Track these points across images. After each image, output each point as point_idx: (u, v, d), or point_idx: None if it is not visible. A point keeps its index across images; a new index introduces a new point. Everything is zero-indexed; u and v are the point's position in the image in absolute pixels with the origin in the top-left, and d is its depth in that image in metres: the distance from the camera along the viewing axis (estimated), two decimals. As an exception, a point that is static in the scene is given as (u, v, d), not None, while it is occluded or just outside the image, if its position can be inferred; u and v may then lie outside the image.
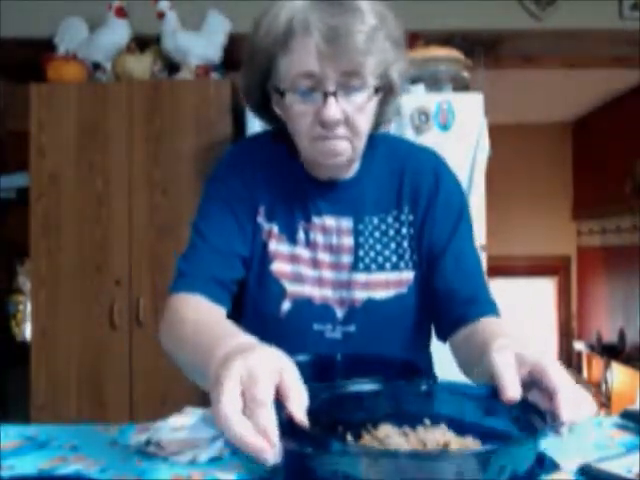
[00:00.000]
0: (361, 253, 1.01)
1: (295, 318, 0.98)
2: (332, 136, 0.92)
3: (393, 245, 1.02)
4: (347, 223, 1.01)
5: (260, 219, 1.02)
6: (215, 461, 0.82)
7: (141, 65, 2.58)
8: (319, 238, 1.01)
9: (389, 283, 1.00)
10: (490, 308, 0.98)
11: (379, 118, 1.01)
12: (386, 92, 0.97)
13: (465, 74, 2.49)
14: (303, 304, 0.99)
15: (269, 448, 0.52)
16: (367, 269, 1.00)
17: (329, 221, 1.01)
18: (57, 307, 2.47)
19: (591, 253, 5.25)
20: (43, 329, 2.47)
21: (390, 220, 1.03)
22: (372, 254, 1.01)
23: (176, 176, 2.45)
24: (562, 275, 5.59)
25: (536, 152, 5.43)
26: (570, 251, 5.54)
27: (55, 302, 2.48)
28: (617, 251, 4.74)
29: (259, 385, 0.55)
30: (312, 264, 1.01)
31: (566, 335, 5.54)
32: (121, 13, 2.63)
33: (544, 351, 0.70)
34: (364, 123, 0.93)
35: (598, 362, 4.87)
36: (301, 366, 0.60)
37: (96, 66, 2.62)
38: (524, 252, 5.34)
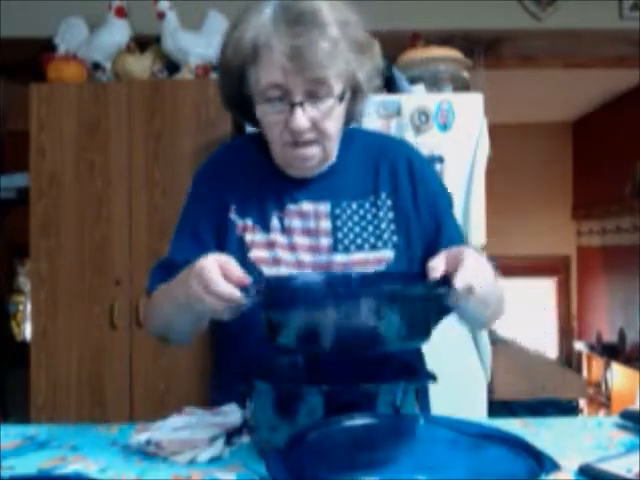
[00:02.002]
0: (340, 235, 1.04)
1: None
2: (302, 142, 0.99)
3: (371, 228, 1.06)
4: (324, 207, 1.06)
5: (232, 216, 1.07)
6: (215, 461, 0.82)
7: (141, 65, 2.58)
8: (295, 223, 1.05)
9: (368, 262, 1.03)
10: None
11: (350, 116, 1.06)
12: (354, 93, 1.02)
13: (465, 74, 2.49)
14: None
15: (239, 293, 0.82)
16: (346, 250, 1.04)
17: (307, 206, 1.06)
18: (57, 307, 2.47)
19: (591, 253, 5.25)
20: (43, 329, 2.47)
21: (367, 205, 1.07)
22: (351, 236, 1.05)
23: (176, 176, 2.45)
24: (562, 275, 5.59)
25: (536, 152, 5.43)
26: (570, 251, 5.54)
27: (55, 302, 2.47)
28: (617, 251, 4.75)
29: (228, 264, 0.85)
30: (289, 248, 1.04)
31: (566, 335, 5.54)
32: (121, 13, 2.63)
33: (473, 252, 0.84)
34: (333, 127, 0.99)
35: (598, 362, 4.88)
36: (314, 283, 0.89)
37: (96, 66, 2.62)
38: (524, 252, 5.34)
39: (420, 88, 2.39)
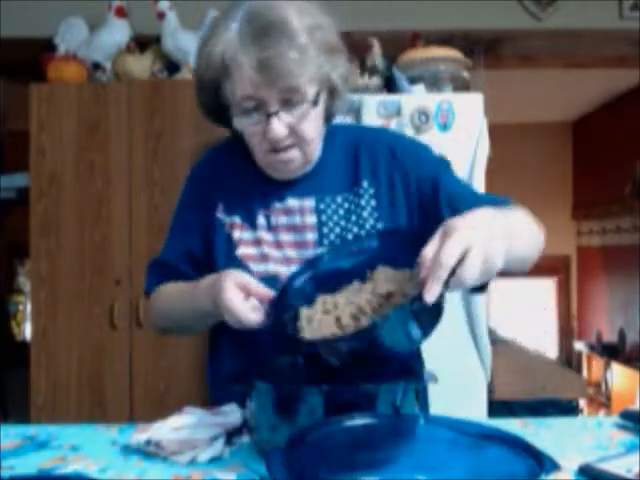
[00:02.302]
0: (325, 230, 1.05)
1: None
2: (281, 149, 1.00)
3: (354, 217, 1.06)
4: (309, 203, 1.07)
5: (220, 215, 1.09)
6: (215, 461, 0.82)
7: (141, 65, 2.58)
8: (281, 220, 1.07)
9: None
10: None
11: (329, 115, 1.07)
12: (331, 93, 1.03)
13: (465, 74, 2.49)
14: (269, 281, 1.02)
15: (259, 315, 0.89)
16: (332, 244, 1.04)
17: (292, 202, 1.07)
18: (57, 307, 2.47)
19: (591, 253, 5.25)
20: (43, 329, 2.47)
21: (351, 197, 1.07)
22: (337, 230, 1.05)
23: (176, 176, 2.44)
24: (562, 275, 5.59)
25: (536, 152, 5.43)
26: (570, 251, 5.54)
27: (55, 302, 2.47)
28: (617, 251, 4.75)
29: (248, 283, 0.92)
30: (276, 245, 1.06)
31: (566, 335, 5.54)
32: (121, 13, 2.63)
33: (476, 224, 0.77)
34: (310, 130, 1.00)
35: (598, 362, 4.88)
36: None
37: (96, 66, 2.62)
38: (524, 252, 5.32)
39: (420, 88, 2.39)
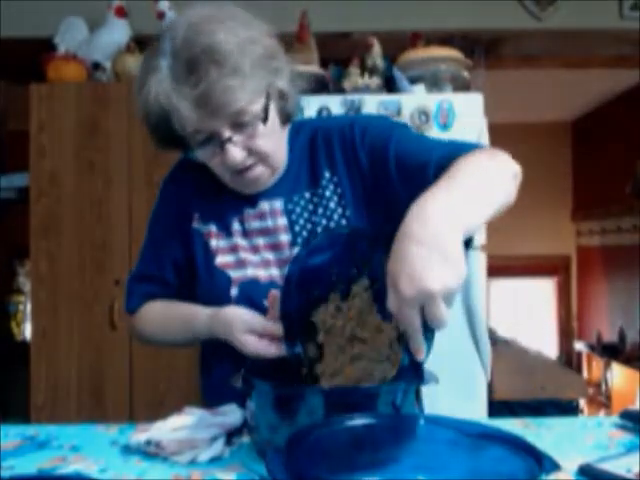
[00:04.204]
0: (297, 229, 1.05)
1: (244, 300, 1.03)
2: (245, 169, 0.99)
3: (321, 210, 1.05)
4: (279, 204, 1.06)
5: (196, 225, 1.10)
6: (215, 461, 0.82)
7: (141, 65, 2.58)
8: (254, 225, 1.07)
9: (324, 248, 1.02)
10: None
11: (286, 117, 1.04)
12: (281, 97, 1.00)
13: (465, 74, 2.49)
14: (249, 285, 1.04)
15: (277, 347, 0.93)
16: (306, 243, 1.04)
17: (263, 206, 1.06)
18: (57, 307, 2.47)
19: (591, 253, 5.25)
20: (43, 329, 2.47)
21: (318, 191, 1.06)
22: (309, 226, 1.05)
23: (176, 176, 2.45)
24: (562, 275, 5.59)
25: (536, 152, 5.42)
26: (570, 251, 5.54)
27: (55, 302, 2.47)
28: (617, 251, 4.74)
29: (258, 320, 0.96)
30: (252, 250, 1.06)
31: (566, 335, 5.54)
32: (121, 13, 2.63)
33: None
34: (268, 144, 0.98)
35: (598, 362, 4.87)
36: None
37: (96, 66, 2.62)
38: (524, 252, 5.34)
39: (420, 88, 2.39)
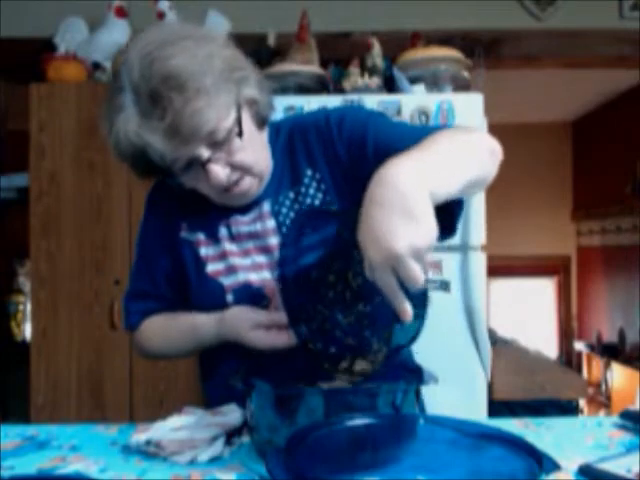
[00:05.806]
0: (285, 230, 1.03)
1: (240, 305, 1.02)
2: (231, 185, 0.97)
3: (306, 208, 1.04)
4: (266, 207, 1.05)
5: (184, 234, 1.08)
6: (215, 461, 0.82)
7: (141, 65, 2.58)
8: (243, 229, 1.05)
9: (315, 245, 1.01)
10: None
11: (261, 121, 1.01)
12: (252, 104, 0.97)
13: (465, 74, 2.49)
14: (242, 291, 1.03)
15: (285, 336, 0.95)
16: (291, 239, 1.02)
17: (252, 209, 1.05)
18: (57, 307, 2.47)
19: (591, 253, 5.25)
20: (43, 329, 2.47)
21: (303, 189, 1.05)
22: None
23: (176, 176, 2.45)
24: (562, 275, 5.59)
25: (536, 152, 5.43)
26: (570, 251, 5.54)
27: (55, 302, 2.47)
28: (617, 251, 4.74)
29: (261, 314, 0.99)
30: (242, 254, 1.05)
31: (566, 335, 5.54)
32: (121, 13, 2.63)
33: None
34: (249, 156, 0.96)
35: (598, 362, 4.88)
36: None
37: (96, 66, 2.61)
38: (524, 252, 5.34)
39: (420, 88, 2.39)
